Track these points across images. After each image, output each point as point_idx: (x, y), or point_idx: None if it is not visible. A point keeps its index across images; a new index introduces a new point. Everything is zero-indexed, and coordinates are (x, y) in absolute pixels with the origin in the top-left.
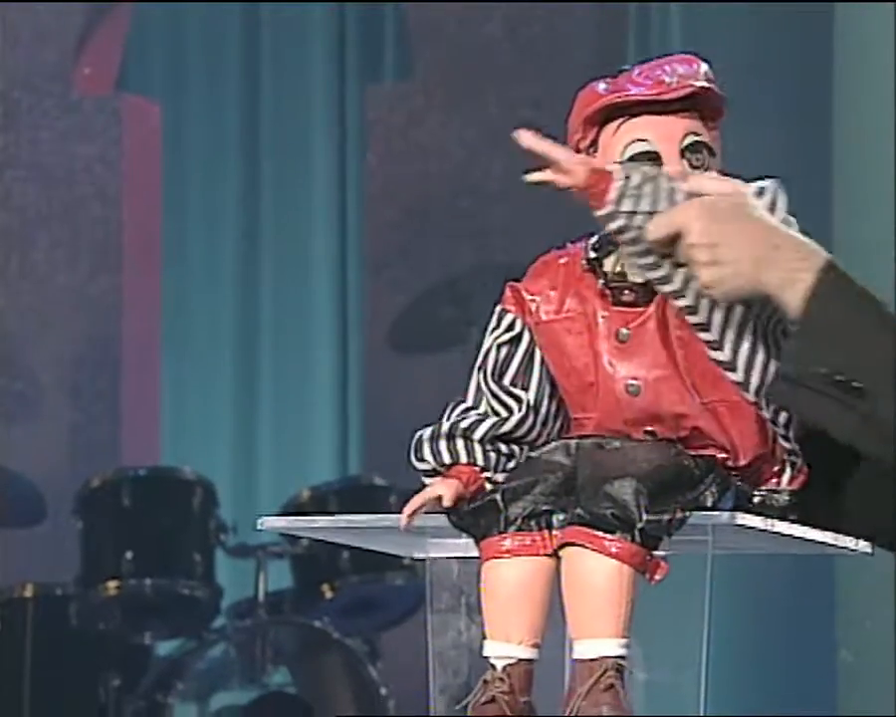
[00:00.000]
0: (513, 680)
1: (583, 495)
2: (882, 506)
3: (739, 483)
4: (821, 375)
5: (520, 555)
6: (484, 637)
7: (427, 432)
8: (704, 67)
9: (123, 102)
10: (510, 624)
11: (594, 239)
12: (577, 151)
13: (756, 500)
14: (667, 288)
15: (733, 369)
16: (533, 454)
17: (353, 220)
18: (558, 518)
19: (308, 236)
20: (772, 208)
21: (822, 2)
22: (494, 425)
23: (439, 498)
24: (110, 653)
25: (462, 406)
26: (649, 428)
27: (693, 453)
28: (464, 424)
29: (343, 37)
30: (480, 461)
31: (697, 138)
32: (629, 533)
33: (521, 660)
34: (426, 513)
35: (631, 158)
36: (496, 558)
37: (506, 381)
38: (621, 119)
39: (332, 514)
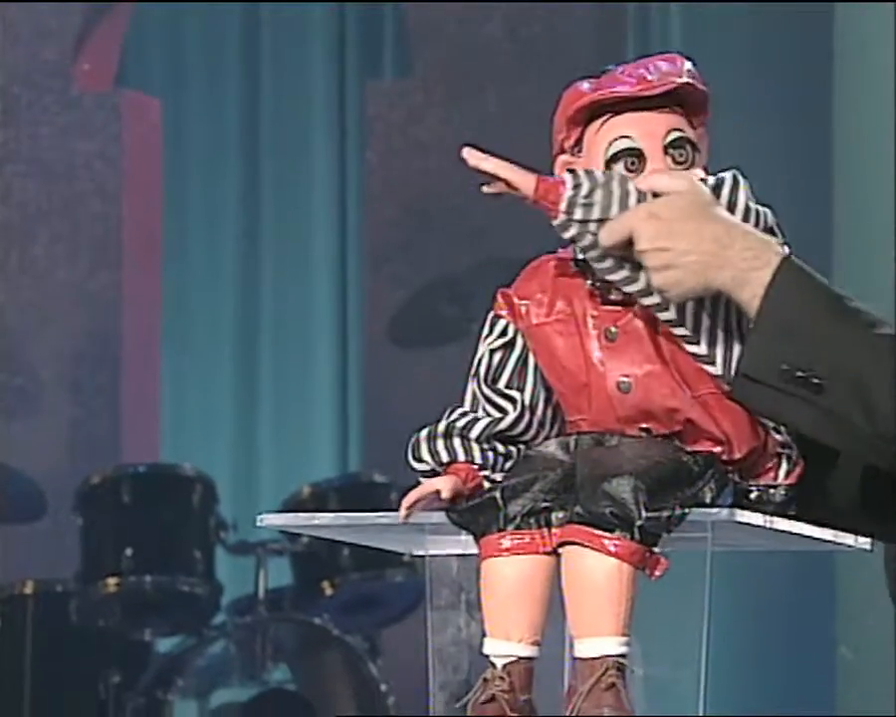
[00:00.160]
0: (513, 678)
1: (582, 493)
2: (877, 500)
3: (736, 478)
4: (780, 372)
5: (519, 553)
6: (484, 634)
7: (423, 433)
8: (688, 65)
9: (123, 98)
10: (510, 622)
11: None
12: (562, 151)
13: (753, 495)
14: (632, 288)
15: (711, 363)
16: (531, 451)
17: (353, 217)
18: (557, 516)
19: (308, 233)
20: (730, 203)
21: (822, 2)
22: (490, 424)
23: (437, 492)
24: (110, 650)
25: (459, 410)
26: (644, 425)
27: (691, 449)
28: (460, 423)
29: (343, 36)
30: (478, 459)
31: (680, 135)
32: (628, 531)
33: (521, 658)
34: (425, 510)
35: (615, 155)
36: (495, 555)
37: (500, 385)
38: (605, 117)
39: (332, 511)
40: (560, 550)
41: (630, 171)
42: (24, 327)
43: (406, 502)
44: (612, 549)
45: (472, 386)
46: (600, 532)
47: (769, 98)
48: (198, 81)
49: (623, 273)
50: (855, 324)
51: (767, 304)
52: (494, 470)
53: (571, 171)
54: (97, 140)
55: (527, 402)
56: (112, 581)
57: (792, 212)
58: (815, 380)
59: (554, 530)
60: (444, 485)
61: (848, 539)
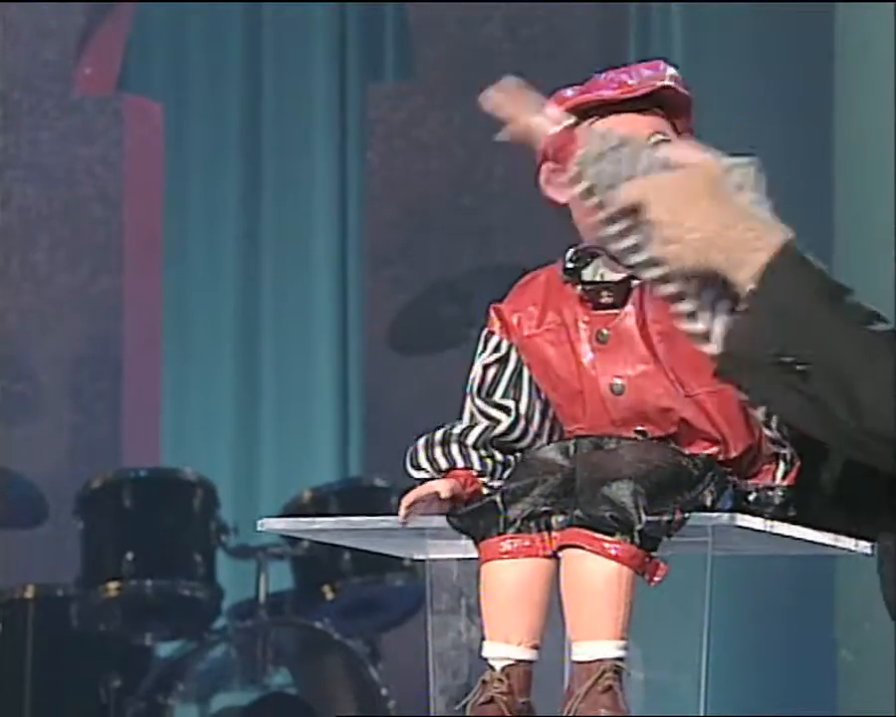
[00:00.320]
0: (512, 681)
1: (582, 497)
2: (872, 500)
3: (735, 480)
4: (767, 354)
5: (519, 556)
6: (483, 638)
7: (421, 441)
8: (670, 70)
9: (125, 102)
10: (509, 626)
11: (571, 251)
12: (545, 159)
13: (751, 497)
14: (635, 258)
15: (707, 341)
16: (530, 455)
17: (354, 219)
18: (557, 519)
19: (308, 235)
20: (740, 187)
21: (823, 2)
22: (486, 429)
23: (436, 493)
24: (110, 654)
25: (453, 423)
26: (639, 428)
27: (690, 452)
28: (457, 430)
29: (345, 37)
30: (476, 465)
31: (662, 138)
32: (628, 534)
33: (520, 661)
34: (425, 514)
35: None
36: (495, 559)
37: (495, 398)
38: (590, 121)
39: (332, 515)
40: (560, 553)
41: None
42: (25, 332)
43: (406, 501)
44: (612, 552)
45: (468, 403)
46: (600, 535)
47: (769, 97)
48: (199, 82)
49: (628, 242)
50: (848, 316)
51: (761, 285)
52: (492, 477)
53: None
54: (98, 145)
55: (522, 411)
56: (112, 585)
57: (793, 212)
58: (801, 367)
59: (553, 533)
60: (443, 487)
61: (848, 543)
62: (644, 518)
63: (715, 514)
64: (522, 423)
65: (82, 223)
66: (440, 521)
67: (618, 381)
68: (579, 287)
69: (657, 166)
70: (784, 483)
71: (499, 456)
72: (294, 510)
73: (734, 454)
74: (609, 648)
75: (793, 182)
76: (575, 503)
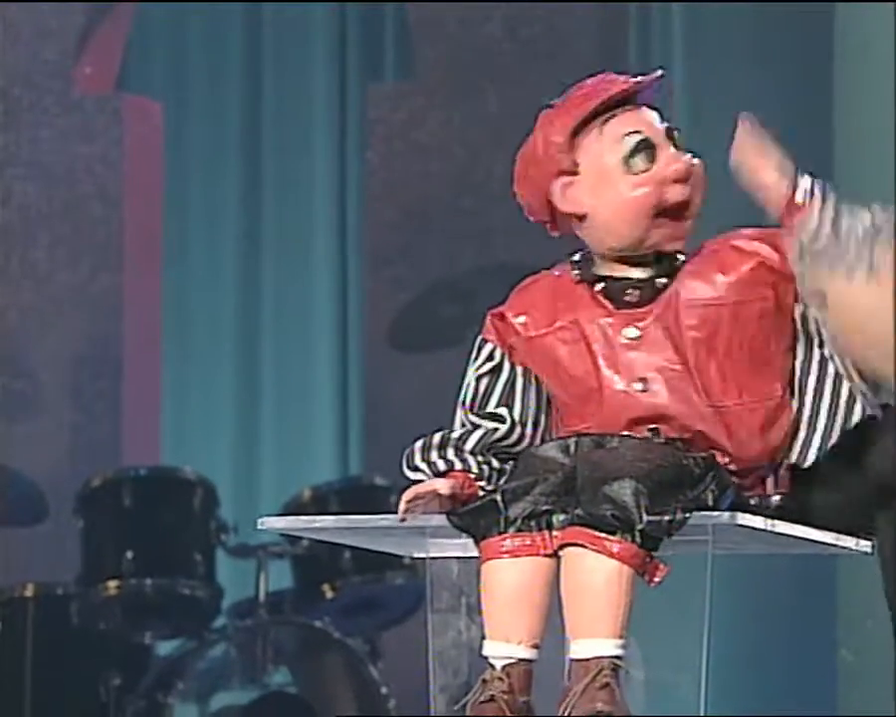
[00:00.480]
0: (512, 680)
1: (583, 496)
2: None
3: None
4: None
5: (520, 555)
6: (484, 637)
7: (418, 444)
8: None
9: (124, 101)
10: (509, 625)
11: (578, 256)
12: (561, 172)
13: (752, 501)
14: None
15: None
16: (530, 453)
17: (354, 219)
18: (558, 518)
19: (308, 235)
20: None
21: (823, 2)
22: (485, 434)
23: (435, 490)
24: (110, 653)
25: (455, 428)
26: (652, 426)
27: (693, 451)
28: (455, 435)
29: (345, 37)
30: (474, 468)
31: (670, 123)
32: (630, 534)
33: (520, 660)
34: (425, 512)
35: (632, 151)
36: (496, 558)
37: (488, 410)
38: (598, 124)
39: (332, 514)
40: (561, 552)
41: (648, 161)
42: (25, 330)
43: (406, 496)
44: (614, 550)
45: (461, 415)
46: (602, 534)
47: (769, 97)
48: (199, 82)
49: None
50: None
51: None
52: (489, 482)
53: (820, 207)
54: (98, 144)
55: (517, 418)
56: (112, 583)
57: None
58: None
59: (554, 532)
60: (443, 485)
61: (849, 542)
62: (645, 517)
63: (716, 513)
64: (519, 429)
65: (82, 222)
66: (440, 519)
67: (647, 377)
68: (600, 285)
69: (863, 265)
70: (777, 490)
71: (495, 463)
72: (294, 509)
73: (737, 468)
74: (608, 646)
75: None
76: (577, 502)
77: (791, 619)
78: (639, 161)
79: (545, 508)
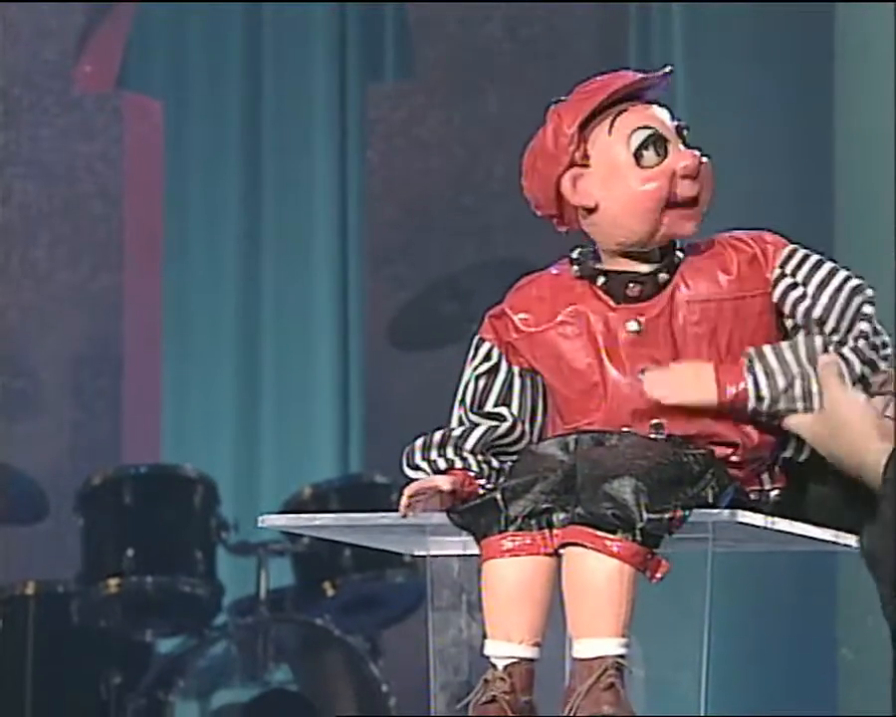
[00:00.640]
0: (514, 680)
1: (583, 494)
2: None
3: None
4: None
5: (520, 554)
6: (485, 635)
7: (419, 442)
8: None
9: (124, 99)
10: (511, 624)
11: (577, 252)
12: (572, 165)
13: (751, 497)
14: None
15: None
16: (530, 451)
17: (354, 218)
18: (558, 517)
19: (309, 234)
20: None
21: (823, 2)
22: (485, 433)
23: (436, 486)
24: (111, 651)
25: (456, 426)
26: (657, 421)
27: (693, 448)
28: (455, 433)
29: (345, 36)
30: (474, 467)
31: (680, 120)
32: (630, 532)
33: (522, 660)
34: (426, 510)
35: (643, 144)
36: (496, 557)
37: (486, 409)
38: (610, 118)
39: (333, 512)
40: (562, 551)
41: (658, 156)
42: (25, 329)
43: (407, 492)
44: (614, 549)
45: (458, 413)
46: (602, 533)
47: (770, 97)
48: (200, 81)
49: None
50: None
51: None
52: (489, 481)
53: (752, 374)
54: (98, 142)
55: (515, 416)
56: (113, 581)
57: (794, 212)
58: None
59: (555, 531)
60: (444, 481)
61: (849, 539)
62: (646, 515)
63: (716, 510)
64: (518, 427)
65: (82, 220)
66: (441, 517)
67: (650, 369)
68: (601, 280)
69: (811, 399)
70: (774, 485)
71: (495, 463)
72: (294, 506)
73: (741, 460)
74: (611, 646)
75: (794, 182)
76: (577, 500)
77: (792, 617)
78: (649, 156)
79: (545, 506)
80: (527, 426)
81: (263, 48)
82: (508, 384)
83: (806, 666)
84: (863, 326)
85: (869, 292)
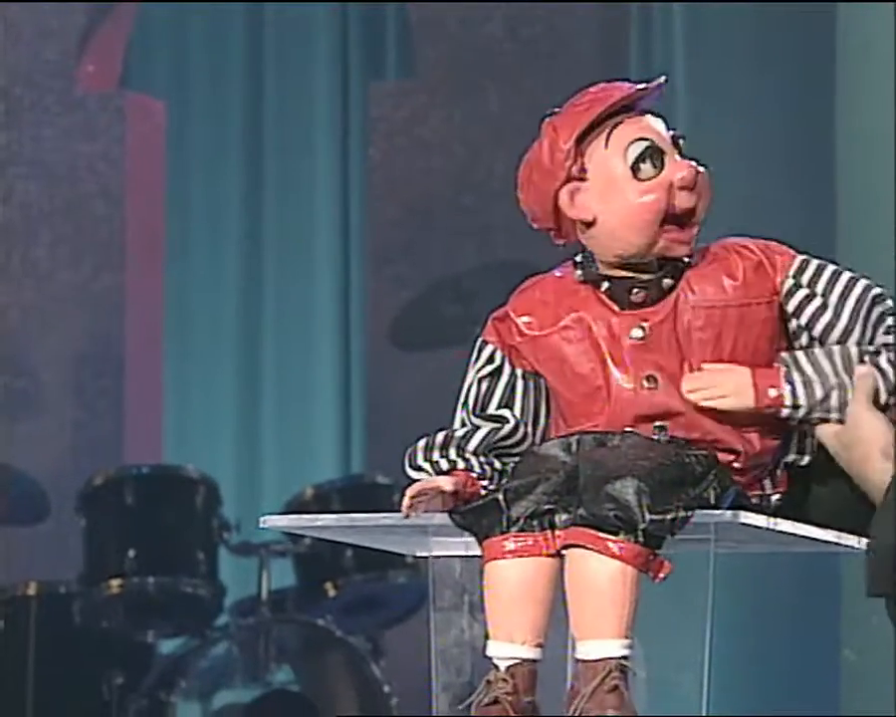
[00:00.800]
0: (516, 681)
1: (586, 495)
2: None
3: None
4: None
5: (522, 555)
6: (487, 636)
7: (421, 442)
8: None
9: (127, 99)
10: (513, 625)
11: (580, 256)
12: (569, 179)
13: (753, 501)
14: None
15: None
16: (532, 452)
17: (356, 218)
18: (560, 518)
19: (310, 234)
20: None
21: (824, 2)
22: (488, 434)
23: (439, 486)
24: (113, 651)
25: (458, 428)
26: (660, 423)
27: (695, 449)
28: (458, 434)
29: (346, 36)
30: (476, 468)
31: (676, 131)
32: (632, 534)
33: (524, 661)
34: (428, 511)
35: (640, 156)
36: (498, 558)
37: (489, 411)
38: (606, 131)
39: (334, 512)
40: (564, 552)
41: (655, 168)
42: (27, 329)
43: (410, 492)
44: (616, 551)
45: (461, 415)
46: (604, 534)
47: (771, 98)
48: (201, 81)
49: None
50: None
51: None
52: (491, 482)
53: (790, 383)
54: (100, 142)
55: (518, 418)
56: (115, 582)
57: (795, 212)
58: None
59: (557, 532)
60: (446, 481)
61: (851, 540)
62: (648, 516)
63: (718, 511)
64: (521, 429)
65: (84, 220)
66: (442, 517)
67: (655, 375)
68: (605, 285)
69: (846, 410)
70: (776, 490)
71: (497, 464)
72: (296, 507)
73: (743, 466)
74: (614, 647)
75: (795, 182)
76: (579, 501)
77: (794, 618)
78: (646, 168)
79: (547, 507)
80: (529, 429)
81: (265, 48)
82: (511, 387)
83: (809, 667)
84: (890, 338)
85: (889, 303)
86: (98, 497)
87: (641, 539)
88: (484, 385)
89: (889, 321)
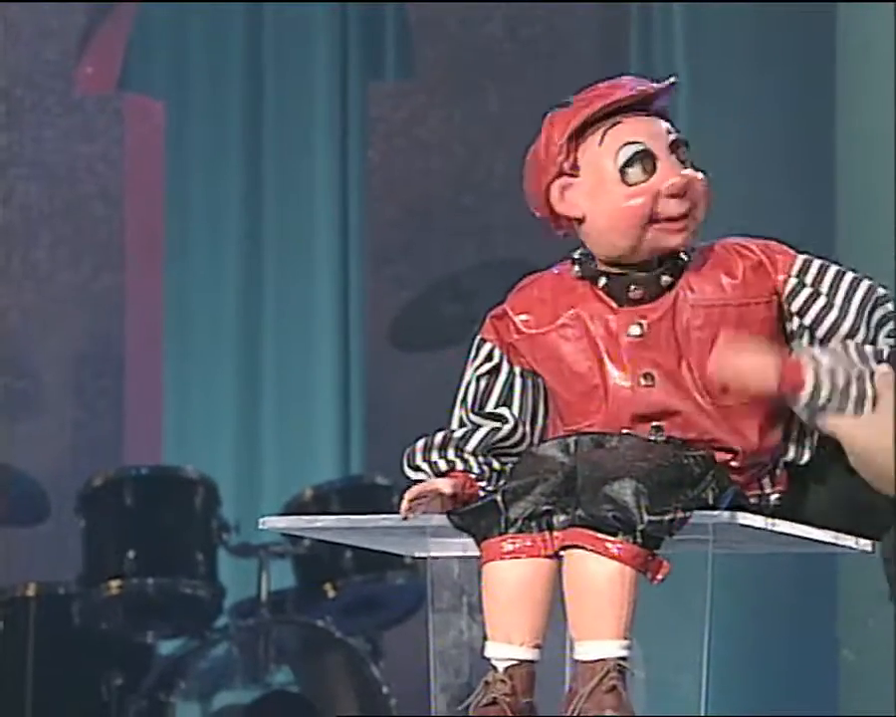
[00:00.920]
0: (515, 681)
1: (584, 496)
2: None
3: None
4: None
5: (520, 556)
6: (485, 637)
7: (420, 443)
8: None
9: (126, 100)
10: (511, 626)
11: (578, 253)
12: (560, 175)
13: (752, 501)
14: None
15: None
16: (531, 452)
17: (355, 218)
18: (558, 519)
19: (310, 234)
20: None
21: (825, 2)
22: (487, 435)
23: (437, 489)
24: (112, 652)
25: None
26: (657, 423)
27: (693, 450)
28: (457, 435)
29: (346, 36)
30: (475, 469)
31: (679, 136)
32: (631, 534)
33: (522, 661)
34: (427, 512)
35: (629, 161)
36: (497, 559)
37: (487, 410)
38: (603, 129)
39: (334, 513)
40: (562, 553)
41: (645, 173)
42: (27, 330)
43: (409, 495)
44: (615, 552)
45: (459, 413)
46: (603, 535)
47: (771, 98)
48: (201, 81)
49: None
50: None
51: None
52: (490, 483)
53: (814, 370)
54: (99, 143)
55: (516, 417)
56: (114, 583)
57: (795, 212)
58: None
59: (555, 533)
60: (445, 484)
61: (849, 541)
62: (646, 517)
63: (716, 512)
64: (519, 429)
65: (83, 221)
66: (441, 519)
67: (652, 373)
68: (602, 281)
69: (864, 403)
70: (775, 489)
71: (496, 465)
72: (295, 508)
73: (740, 465)
74: (613, 648)
75: (795, 182)
76: (577, 502)
77: (792, 619)
78: (635, 172)
79: (545, 508)
80: (528, 428)
81: (264, 48)
82: (509, 385)
83: (807, 668)
84: (892, 341)
85: (891, 306)
86: (97, 498)
87: (639, 539)
88: (483, 383)
89: (891, 325)
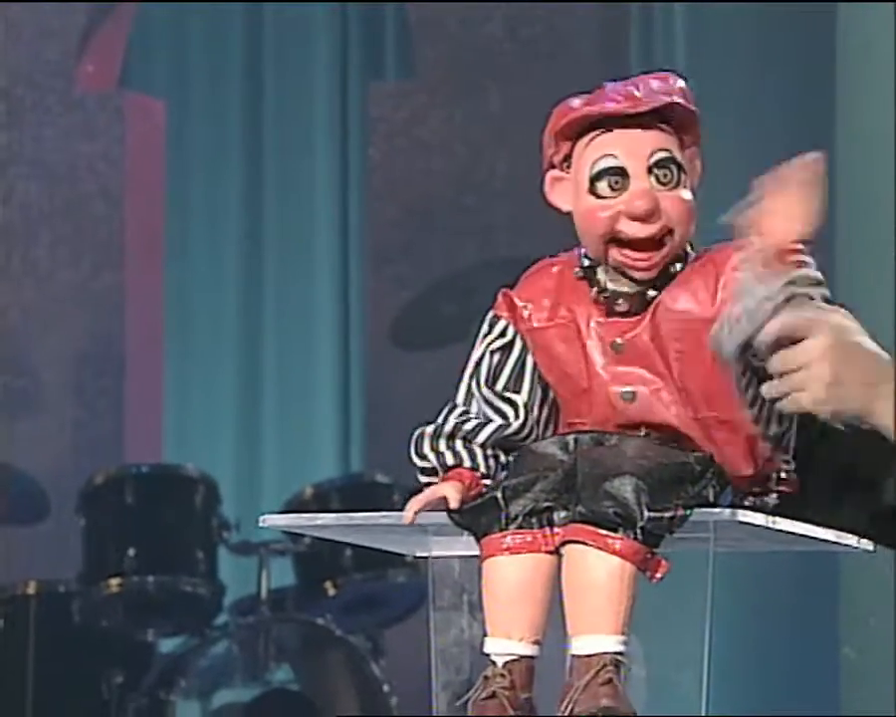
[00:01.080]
0: (514, 677)
1: (584, 493)
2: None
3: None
4: None
5: (521, 552)
6: (485, 634)
7: (429, 429)
8: (680, 83)
9: (126, 99)
10: (511, 621)
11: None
12: (552, 166)
13: (748, 502)
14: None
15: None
16: (530, 449)
17: (356, 217)
18: (559, 515)
19: (310, 234)
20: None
21: (825, 2)
22: (497, 429)
23: (443, 498)
24: (112, 650)
25: (458, 410)
26: (644, 432)
27: (693, 448)
28: (467, 426)
29: (346, 36)
30: (482, 467)
31: (666, 155)
32: (631, 530)
33: (522, 657)
34: (428, 511)
35: (598, 173)
36: (497, 555)
37: (498, 387)
38: (593, 134)
39: (334, 511)
40: (562, 549)
41: (614, 190)
42: (27, 328)
43: (413, 506)
44: (616, 547)
45: (470, 385)
46: (603, 531)
47: (771, 97)
48: (201, 80)
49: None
50: None
51: None
52: (494, 478)
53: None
54: (100, 142)
55: (525, 404)
56: (114, 581)
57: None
58: None
59: (555, 529)
60: (451, 493)
61: (851, 539)
62: (647, 514)
63: (717, 510)
64: (530, 420)
65: (83, 220)
66: (442, 517)
67: (630, 391)
68: (595, 289)
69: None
70: (777, 489)
71: (503, 458)
72: (295, 506)
73: (733, 478)
74: (609, 643)
75: None
76: (577, 499)
77: (794, 617)
78: (602, 187)
79: (545, 505)
80: (535, 411)
81: (264, 48)
82: (521, 364)
83: (809, 666)
84: None
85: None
86: (98, 496)
87: (640, 536)
88: (496, 358)
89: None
